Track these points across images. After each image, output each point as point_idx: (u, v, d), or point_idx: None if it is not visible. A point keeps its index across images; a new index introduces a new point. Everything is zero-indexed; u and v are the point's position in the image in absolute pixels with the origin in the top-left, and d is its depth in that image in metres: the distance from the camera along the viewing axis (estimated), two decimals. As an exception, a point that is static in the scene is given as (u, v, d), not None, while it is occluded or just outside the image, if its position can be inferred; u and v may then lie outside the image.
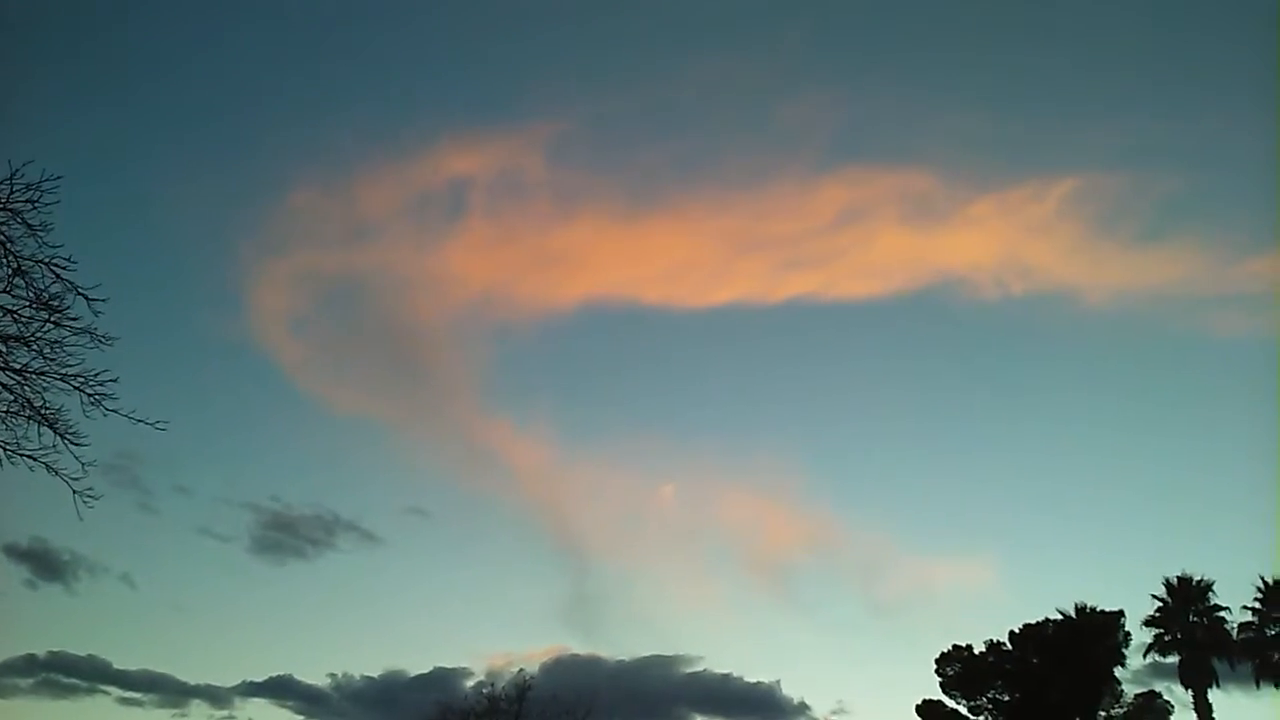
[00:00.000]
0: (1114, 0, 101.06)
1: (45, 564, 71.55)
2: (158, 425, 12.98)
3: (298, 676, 72.54)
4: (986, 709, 55.44)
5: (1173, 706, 53.18)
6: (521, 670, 53.72)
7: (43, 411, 12.15)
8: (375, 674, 73.74)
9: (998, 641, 56.17)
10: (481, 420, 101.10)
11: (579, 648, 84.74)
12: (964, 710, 55.96)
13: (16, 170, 11.12)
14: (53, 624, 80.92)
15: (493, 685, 52.41)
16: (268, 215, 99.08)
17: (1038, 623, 55.43)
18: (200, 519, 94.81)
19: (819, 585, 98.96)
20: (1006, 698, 55.17)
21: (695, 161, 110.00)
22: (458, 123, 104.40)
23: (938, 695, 56.86)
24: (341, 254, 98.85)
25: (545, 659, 69.90)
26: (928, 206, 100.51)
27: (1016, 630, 56.03)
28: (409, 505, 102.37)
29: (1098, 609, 54.51)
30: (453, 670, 68.36)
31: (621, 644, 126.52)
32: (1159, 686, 54.59)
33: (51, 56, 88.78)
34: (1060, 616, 54.80)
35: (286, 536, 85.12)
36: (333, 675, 73.43)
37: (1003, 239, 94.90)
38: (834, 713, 74.11)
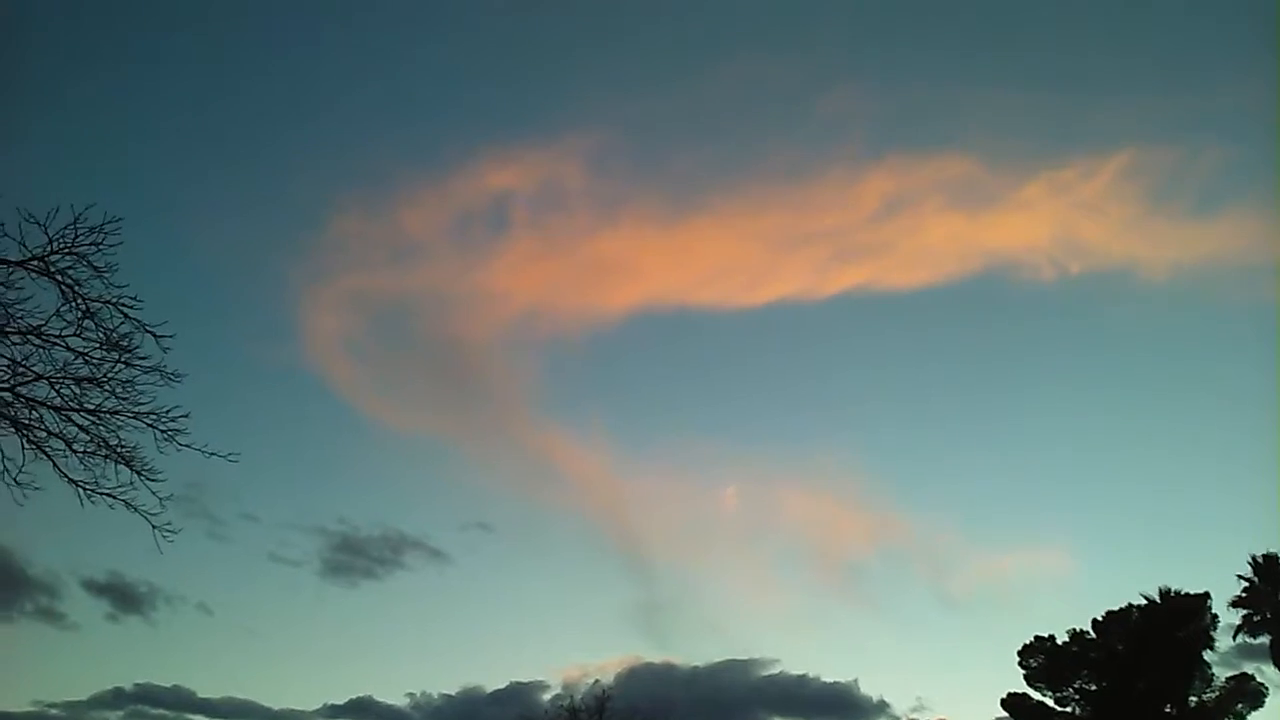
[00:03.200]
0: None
1: (124, 597, 73.10)
2: (229, 458, 13.23)
3: (377, 697, 73.02)
4: (1074, 699, 54.31)
5: (1267, 689, 51.67)
6: (597, 681, 53.75)
7: (119, 450, 12.42)
8: (453, 691, 74.00)
9: (1081, 630, 55.02)
10: (537, 432, 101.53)
11: (651, 656, 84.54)
12: (1050, 702, 54.85)
13: (80, 214, 11.38)
14: (136, 656, 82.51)
15: (571, 698, 52.55)
16: (314, 242, 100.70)
17: (1121, 609, 54.22)
18: (270, 545, 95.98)
19: (889, 581, 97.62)
20: (1094, 687, 54.00)
21: (735, 161, 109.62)
22: (495, 138, 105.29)
23: (1021, 688, 55.85)
24: (389, 275, 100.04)
25: (619, 669, 69.82)
26: (976, 191, 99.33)
27: (1099, 618, 54.86)
28: (472, 520, 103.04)
29: (1182, 592, 53.18)
30: (528, 684, 68.36)
31: (694, 650, 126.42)
32: (1249, 668, 53.09)
33: (91, 94, 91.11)
34: (1144, 601, 53.57)
35: (355, 558, 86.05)
36: (411, 695, 73.79)
37: (1056, 219, 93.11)
38: (914, 710, 72.96)
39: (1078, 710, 54.35)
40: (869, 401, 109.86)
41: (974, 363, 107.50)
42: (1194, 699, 52.11)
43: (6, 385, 11.91)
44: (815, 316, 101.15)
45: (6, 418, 12.04)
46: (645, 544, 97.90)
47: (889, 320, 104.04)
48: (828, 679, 73.23)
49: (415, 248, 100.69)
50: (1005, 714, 55.64)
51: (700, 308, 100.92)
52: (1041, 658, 55.31)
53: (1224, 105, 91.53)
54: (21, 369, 11.89)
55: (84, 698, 69.56)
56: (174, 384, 12.33)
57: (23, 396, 12.01)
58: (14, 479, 12.22)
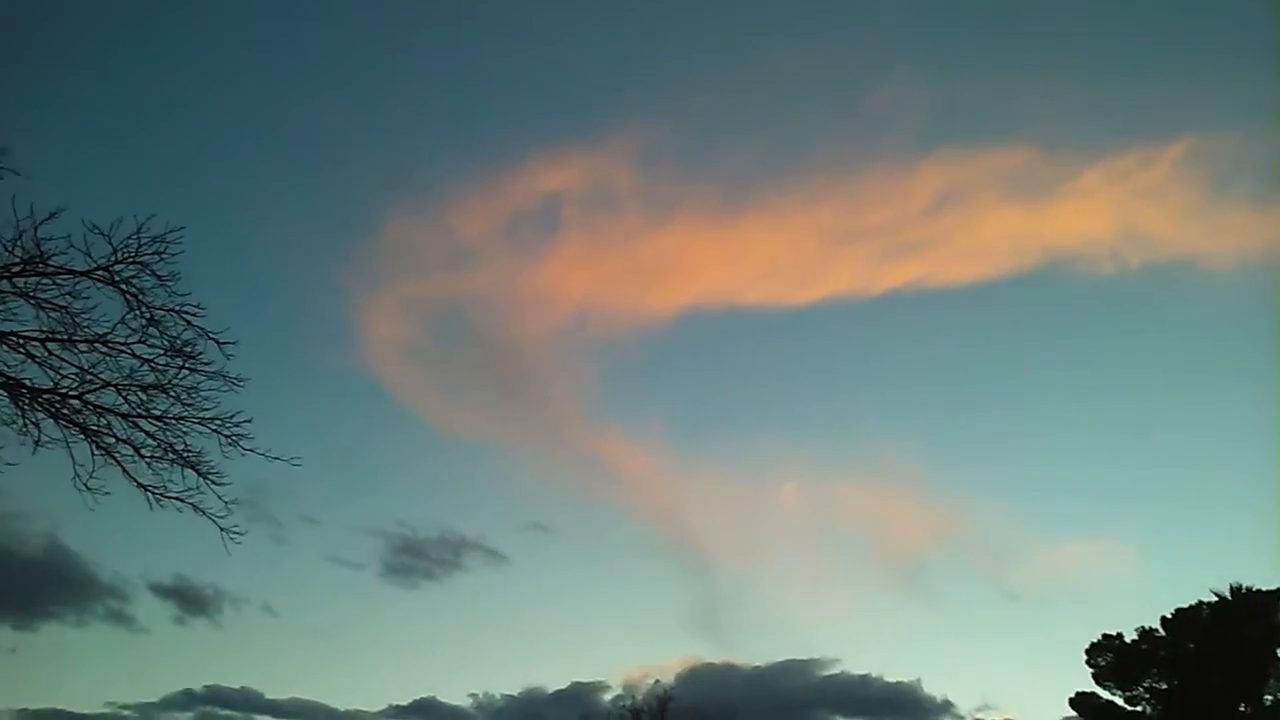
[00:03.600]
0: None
1: (191, 600, 74.43)
2: (292, 461, 13.41)
3: (440, 698, 73.67)
4: (1144, 699, 53.22)
5: (1343, 687, 50.22)
6: (658, 681, 53.91)
7: (185, 455, 12.65)
8: (515, 692, 74.44)
9: (1150, 628, 53.90)
10: (592, 432, 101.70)
11: (712, 655, 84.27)
12: (1120, 701, 53.80)
13: (143, 224, 11.62)
14: (204, 657, 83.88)
15: (632, 698, 52.64)
16: (369, 247, 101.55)
17: (1191, 606, 52.99)
18: (330, 548, 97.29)
19: (951, 578, 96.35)
20: (1164, 686, 52.87)
21: (785, 155, 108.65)
22: (544, 140, 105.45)
23: (1089, 687, 54.86)
24: (443, 279, 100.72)
25: (679, 669, 69.79)
26: (1031, 181, 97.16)
27: (1169, 615, 53.71)
28: (529, 521, 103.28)
29: (1254, 588, 51.87)
30: (589, 684, 68.64)
31: (754, 649, 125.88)
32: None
33: (153, 105, 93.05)
34: (1215, 598, 52.33)
35: (415, 560, 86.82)
36: (474, 695, 74.31)
37: (1115, 209, 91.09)
38: (979, 710, 72.00)
39: (1148, 710, 53.25)
40: (926, 397, 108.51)
41: (1033, 356, 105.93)
42: (1269, 698, 50.81)
43: (75, 393, 12.17)
44: (869, 312, 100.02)
45: (76, 424, 12.31)
46: (703, 543, 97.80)
47: (945, 315, 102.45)
48: (890, 679, 72.67)
49: (468, 251, 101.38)
50: (1073, 713, 54.75)
51: (752, 305, 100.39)
52: (1110, 656, 54.29)
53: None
54: (89, 376, 12.15)
55: (155, 699, 70.80)
56: (237, 389, 12.55)
57: (91, 404, 12.27)
58: (84, 484, 12.50)
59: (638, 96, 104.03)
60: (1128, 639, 54.27)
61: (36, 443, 12.19)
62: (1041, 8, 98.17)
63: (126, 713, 67.94)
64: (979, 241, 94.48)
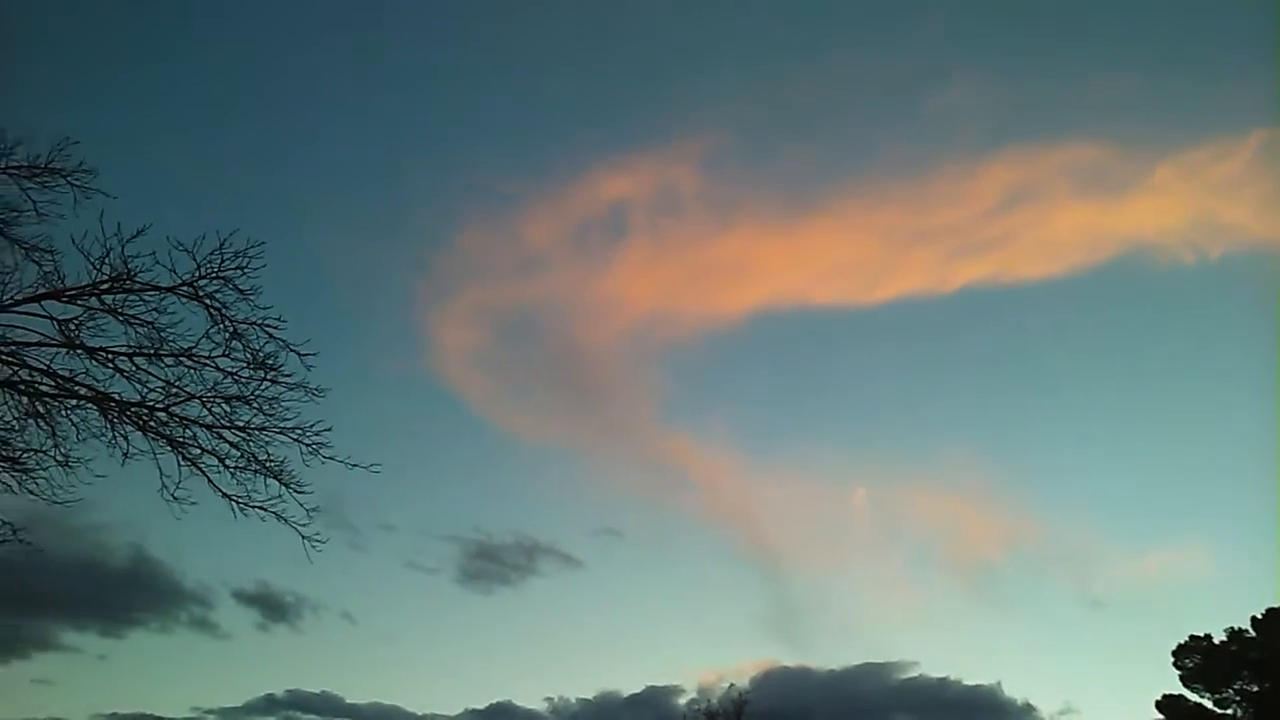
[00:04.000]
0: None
1: (272, 606, 75.95)
2: (371, 468, 13.54)
3: (516, 702, 74.16)
4: (1234, 701, 51.63)
5: None
6: (733, 685, 53.62)
7: (268, 464, 12.87)
8: (590, 696, 74.66)
9: (1239, 629, 52.30)
10: (662, 437, 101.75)
11: (787, 659, 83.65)
12: (1209, 704, 52.26)
13: (225, 240, 11.84)
14: (285, 663, 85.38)
15: (707, 702, 52.46)
16: (440, 256, 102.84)
17: (1283, 606, 51.37)
18: (407, 553, 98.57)
19: (1026, 581, 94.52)
20: (1255, 688, 51.25)
21: (849, 158, 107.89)
22: (609, 147, 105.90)
23: (1176, 689, 53.41)
24: (513, 287, 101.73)
25: (754, 673, 69.29)
26: (1103, 177, 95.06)
27: (1259, 615, 52.07)
28: (602, 526, 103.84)
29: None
30: (664, 688, 68.50)
31: (830, 653, 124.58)
32: None
33: (231, 122, 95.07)
34: (1308, 597, 50.67)
35: (490, 565, 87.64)
36: (549, 699, 74.67)
37: (1191, 201, 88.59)
38: (1062, 713, 70.72)
39: (1239, 713, 51.65)
40: (998, 398, 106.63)
41: (1109, 354, 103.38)
42: (1368, 700, 49.03)
43: (161, 405, 12.46)
44: (939, 312, 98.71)
45: (163, 436, 12.60)
46: (775, 547, 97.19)
47: (1016, 314, 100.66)
48: (969, 682, 71.44)
49: (537, 259, 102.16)
50: (1160, 716, 53.29)
51: (820, 307, 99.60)
52: (1198, 658, 52.79)
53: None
54: (175, 389, 12.42)
55: (238, 704, 72.26)
56: (317, 400, 12.73)
57: (177, 416, 12.55)
58: (171, 495, 12.79)
59: (700, 102, 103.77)
60: (1216, 640, 52.76)
61: (125, 455, 12.52)
62: (1108, 5, 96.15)
63: (210, 717, 69.38)
64: (1051, 238, 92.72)
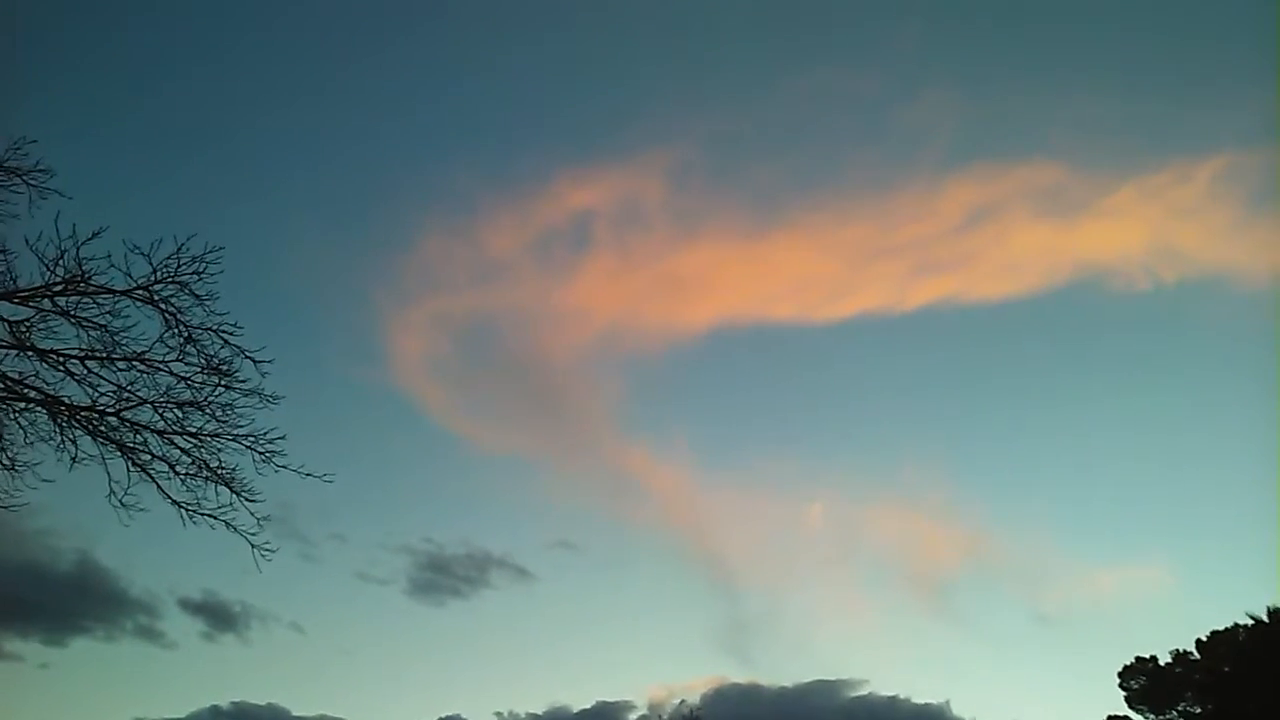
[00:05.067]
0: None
1: (219, 616, 74.97)
2: (325, 478, 13.45)
3: (466, 716, 73.75)
4: (1178, 723, 52.48)
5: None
6: (684, 701, 53.53)
7: (219, 472, 12.74)
8: (540, 710, 74.34)
9: (1184, 651, 53.15)
10: (620, 450, 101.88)
11: (738, 675, 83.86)
12: (1153, 725, 53.10)
13: (183, 244, 11.74)
14: (232, 674, 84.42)
15: (658, 717, 52.35)
16: (399, 263, 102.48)
17: (1226, 629, 52.22)
18: (358, 564, 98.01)
19: (980, 599, 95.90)
20: (1199, 710, 52.07)
21: (814, 174, 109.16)
22: (574, 157, 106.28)
23: (1122, 710, 54.17)
24: (473, 295, 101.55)
25: (705, 689, 69.44)
26: (1063, 198, 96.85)
27: (1204, 638, 52.92)
28: (556, 539, 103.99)
29: (1292, 611, 51.04)
30: (615, 704, 68.58)
31: (781, 670, 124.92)
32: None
33: (189, 126, 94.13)
34: (1251, 621, 51.51)
35: (442, 577, 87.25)
36: (499, 714, 74.50)
37: (1149, 226, 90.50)
38: (1010, 732, 71.19)
39: (1182, 734, 52.45)
40: (956, 416, 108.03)
41: (1065, 375, 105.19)
42: (1307, 723, 49.92)
43: (112, 410, 12.31)
44: (899, 329, 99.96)
45: (113, 441, 12.44)
46: (730, 561, 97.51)
47: (975, 332, 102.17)
48: (919, 700, 72.03)
49: (498, 268, 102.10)
50: (1105, 737, 54.00)
51: (782, 322, 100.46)
52: (1143, 679, 53.59)
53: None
54: (127, 394, 12.28)
55: (183, 715, 71.42)
56: (272, 407, 12.64)
57: (128, 420, 12.40)
58: (120, 501, 12.61)
59: (667, 115, 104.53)
60: (1162, 662, 53.55)
61: (74, 459, 12.35)
62: (1072, 26, 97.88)
63: (154, 727, 68.29)
64: (1010, 258, 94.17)
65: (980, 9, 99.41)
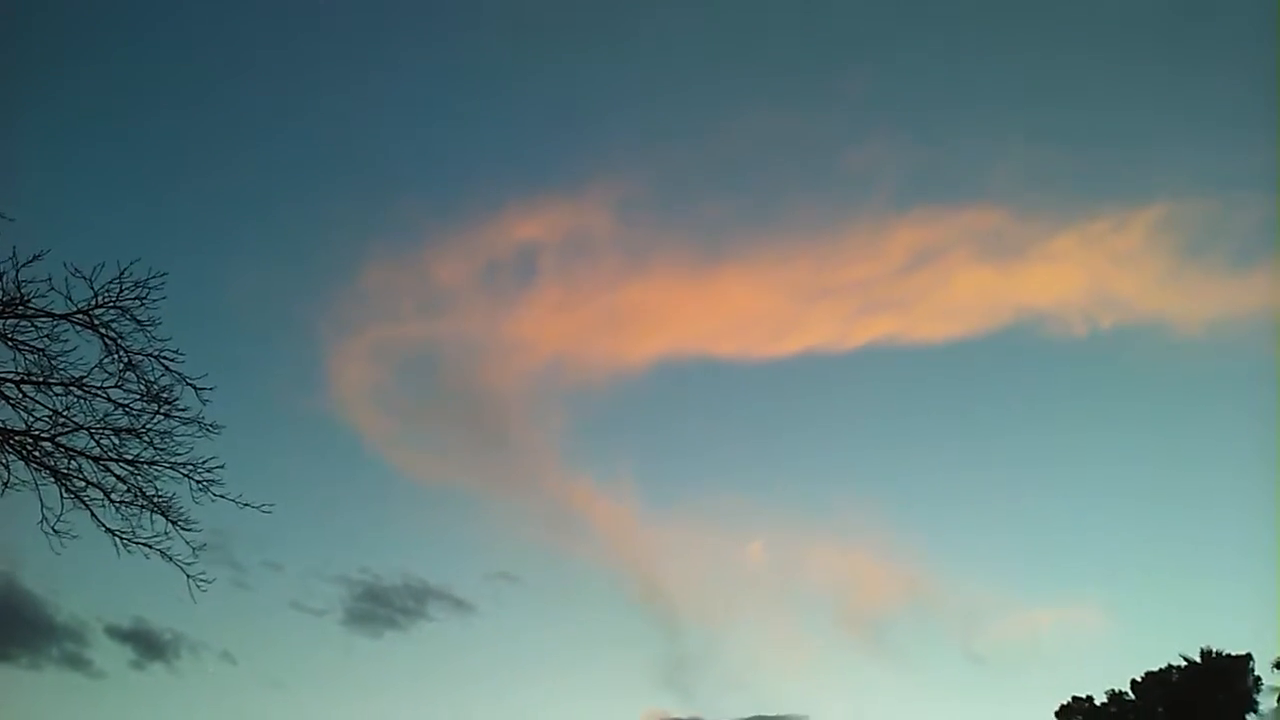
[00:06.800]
0: (1190, 25, 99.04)
1: (149, 644, 73.26)
2: (263, 508, 13.32)
3: (402, 750, 72.46)
4: (1113, 763, 53.06)
5: (1313, 754, 50.26)
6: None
7: (155, 500, 12.55)
8: (480, 745, 73.37)
9: (1119, 691, 53.88)
10: (563, 482, 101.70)
11: (679, 710, 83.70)
12: (1089, 765, 53.64)
13: (125, 269, 11.61)
14: (161, 704, 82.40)
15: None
16: (343, 292, 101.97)
17: (1161, 670, 53.10)
18: (293, 593, 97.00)
19: (918, 637, 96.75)
20: (1133, 750, 52.75)
21: (762, 212, 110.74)
22: (522, 188, 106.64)
23: (1059, 750, 54.62)
24: (417, 325, 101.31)
25: (645, 723, 68.84)
26: (1004, 243, 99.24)
27: (1139, 679, 53.71)
28: (497, 570, 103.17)
29: (1224, 653, 51.97)
30: (554, 738, 67.71)
31: (720, 706, 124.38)
32: (1296, 733, 51.66)
33: (127, 147, 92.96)
34: (1184, 662, 52.41)
35: (378, 607, 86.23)
36: (438, 749, 73.18)
37: (1087, 272, 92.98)
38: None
39: (1117, 774, 53.04)
40: (896, 455, 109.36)
41: (1003, 416, 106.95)
42: (1238, 764, 50.73)
43: (47, 435, 12.10)
44: (841, 368, 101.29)
45: (46, 467, 12.22)
46: (671, 596, 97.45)
47: (916, 372, 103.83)
48: (856, 736, 72.05)
49: (443, 298, 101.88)
50: (1042, 776, 54.45)
51: (726, 357, 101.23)
52: (1079, 718, 54.16)
53: (1261, 160, 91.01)
54: (62, 419, 12.09)
55: (110, 746, 69.32)
56: (211, 435, 12.49)
57: (63, 446, 12.21)
58: (52, 528, 12.39)
59: (616, 148, 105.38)
60: (1098, 701, 54.20)
61: (5, 484, 12.11)
62: (1018, 73, 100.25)
63: (81, 760, 66.41)
64: (951, 301, 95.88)
65: (928, 56, 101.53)
